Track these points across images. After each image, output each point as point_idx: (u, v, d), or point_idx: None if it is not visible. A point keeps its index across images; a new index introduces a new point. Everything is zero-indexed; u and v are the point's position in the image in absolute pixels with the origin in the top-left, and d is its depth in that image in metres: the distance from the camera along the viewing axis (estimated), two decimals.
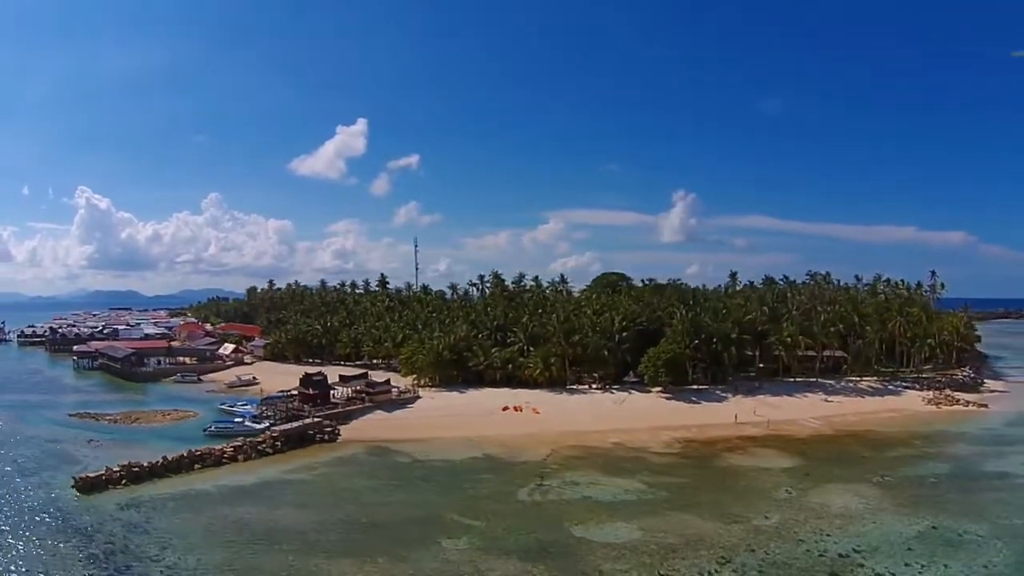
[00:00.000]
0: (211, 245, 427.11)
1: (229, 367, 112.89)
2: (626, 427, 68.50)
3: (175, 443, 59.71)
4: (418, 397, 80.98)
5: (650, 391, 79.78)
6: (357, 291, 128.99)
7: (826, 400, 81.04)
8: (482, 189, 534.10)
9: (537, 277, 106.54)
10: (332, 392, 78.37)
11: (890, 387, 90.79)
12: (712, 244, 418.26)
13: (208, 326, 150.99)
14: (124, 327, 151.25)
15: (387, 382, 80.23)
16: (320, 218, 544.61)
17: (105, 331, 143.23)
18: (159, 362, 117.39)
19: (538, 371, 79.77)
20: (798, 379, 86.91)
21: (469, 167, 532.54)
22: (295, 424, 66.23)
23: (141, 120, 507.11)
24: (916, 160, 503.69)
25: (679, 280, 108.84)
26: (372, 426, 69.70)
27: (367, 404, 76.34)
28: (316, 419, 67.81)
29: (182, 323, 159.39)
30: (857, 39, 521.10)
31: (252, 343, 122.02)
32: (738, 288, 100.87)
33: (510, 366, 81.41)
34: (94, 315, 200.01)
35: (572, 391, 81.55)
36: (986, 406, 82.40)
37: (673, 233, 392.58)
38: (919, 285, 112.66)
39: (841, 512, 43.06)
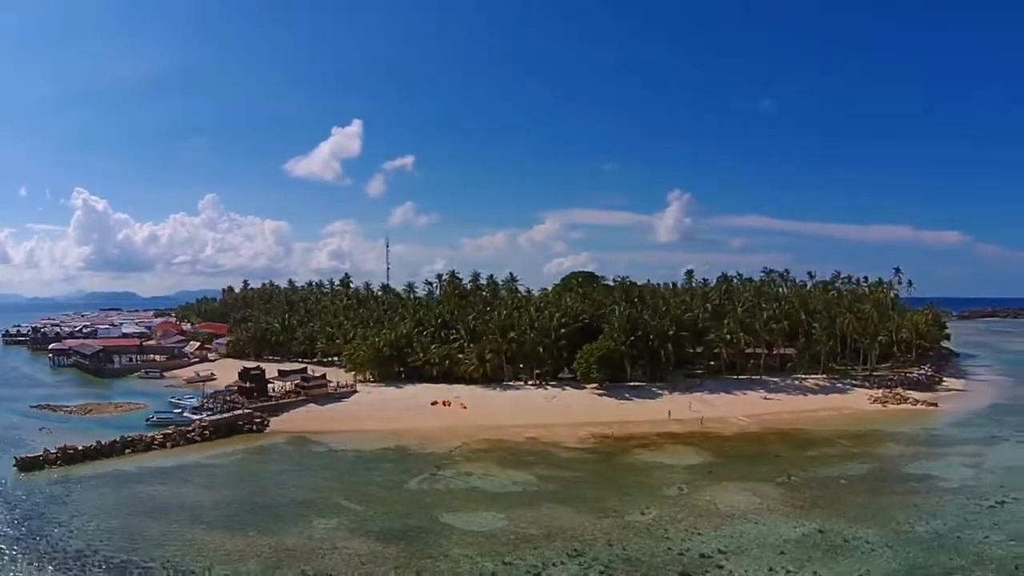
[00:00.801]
0: (208, 246, 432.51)
1: (193, 364, 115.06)
2: (548, 422, 69.41)
3: (119, 431, 63.17)
4: (355, 392, 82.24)
5: (585, 388, 79.53)
6: (323, 290, 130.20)
7: (765, 398, 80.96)
8: (479, 190, 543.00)
9: (492, 276, 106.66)
10: (270, 386, 79.27)
11: (838, 385, 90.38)
12: (707, 244, 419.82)
13: (186, 325, 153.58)
14: (105, 327, 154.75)
15: (323, 377, 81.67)
16: (316, 219, 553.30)
17: (85, 330, 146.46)
18: (131, 359, 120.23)
19: (473, 367, 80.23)
20: (741, 376, 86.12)
21: (465, 168, 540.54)
22: (225, 415, 69.08)
23: (139, 122, 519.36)
24: (912, 160, 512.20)
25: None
26: (301, 418, 72.28)
27: (301, 397, 77.95)
28: (247, 411, 70.46)
29: (159, 322, 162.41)
30: (853, 39, 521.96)
31: (217, 340, 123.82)
32: (693, 285, 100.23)
33: (447, 362, 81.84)
34: (82, 315, 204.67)
35: (507, 387, 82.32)
36: (936, 405, 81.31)
37: (668, 233, 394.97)
38: (880, 282, 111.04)
39: (726, 511, 42.42)
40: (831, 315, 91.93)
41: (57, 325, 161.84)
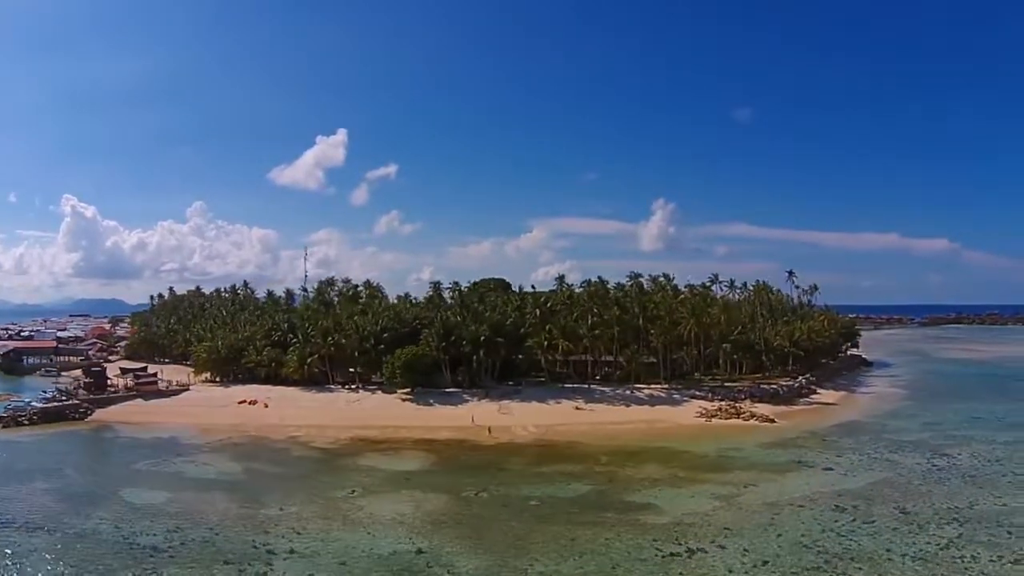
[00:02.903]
0: (196, 254, 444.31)
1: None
2: (327, 424, 75.05)
3: None
4: (186, 390, 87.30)
5: (396, 392, 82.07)
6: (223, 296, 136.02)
7: (578, 408, 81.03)
8: (464, 199, 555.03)
9: (368, 281, 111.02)
10: (109, 381, 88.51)
11: (675, 396, 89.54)
12: (692, 253, 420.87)
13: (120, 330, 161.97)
14: (48, 330, 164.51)
15: (154, 375, 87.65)
16: (302, 227, 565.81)
17: (23, 333, 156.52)
18: (50, 359, 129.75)
19: (292, 369, 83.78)
20: (568, 385, 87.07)
21: (449, 177, 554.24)
22: (53, 404, 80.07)
23: (127, 129, 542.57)
24: (898, 167, 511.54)
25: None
26: (122, 411, 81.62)
27: (131, 393, 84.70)
28: (75, 401, 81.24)
29: (92, 327, 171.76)
30: (841, 46, 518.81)
31: (123, 344, 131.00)
32: (563, 290, 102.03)
33: (273, 364, 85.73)
34: (44, 321, 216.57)
35: (323, 389, 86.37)
36: (773, 421, 76.79)
37: (653, 242, 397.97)
38: (759, 286, 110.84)
39: (360, 519, 43.29)
40: (673, 320, 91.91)
41: (6, 329, 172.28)
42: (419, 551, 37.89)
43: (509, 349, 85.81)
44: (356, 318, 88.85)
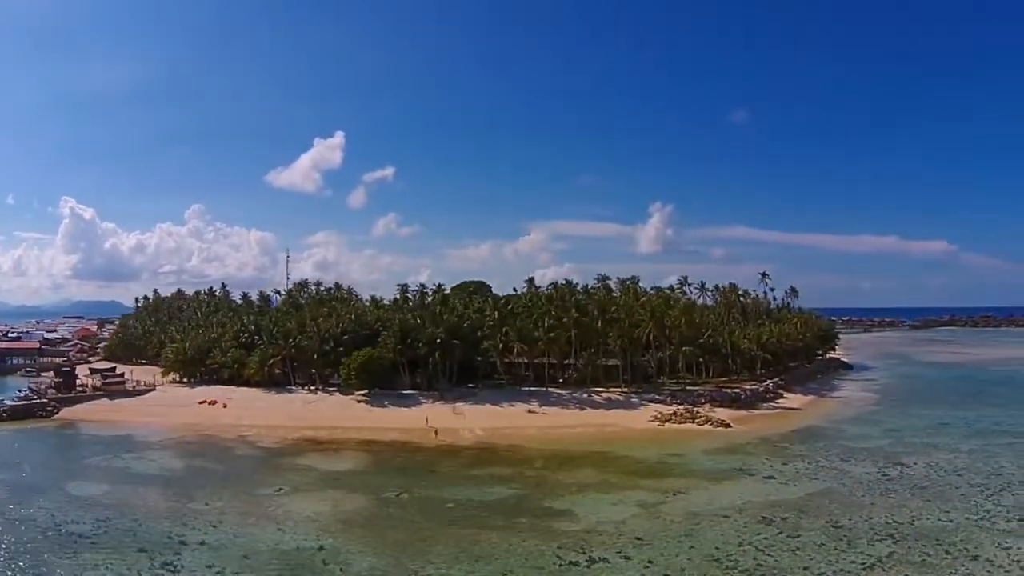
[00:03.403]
0: (194, 256, 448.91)
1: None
2: (279, 424, 78.02)
3: None
4: (152, 390, 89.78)
5: (353, 393, 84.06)
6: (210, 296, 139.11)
7: (530, 411, 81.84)
8: (462, 201, 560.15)
9: (338, 283, 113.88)
10: (79, 381, 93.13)
11: (633, 399, 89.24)
12: (690, 255, 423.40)
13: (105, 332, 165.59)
14: (36, 331, 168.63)
15: (121, 375, 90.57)
16: (300, 230, 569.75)
17: (10, 334, 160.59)
18: (33, 360, 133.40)
19: (253, 370, 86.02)
20: (526, 388, 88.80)
21: (448, 179, 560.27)
22: (22, 402, 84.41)
23: (126, 131, 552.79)
24: (897, 170, 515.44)
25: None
26: (88, 409, 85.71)
27: (98, 392, 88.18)
28: (43, 400, 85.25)
29: (79, 328, 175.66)
30: (839, 47, 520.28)
31: (101, 345, 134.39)
32: (529, 292, 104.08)
33: (236, 365, 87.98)
34: (36, 322, 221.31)
35: (284, 390, 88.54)
36: (728, 426, 76.65)
37: (650, 244, 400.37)
38: (732, 288, 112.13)
39: (278, 515, 45.20)
40: (632, 323, 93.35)
41: None
42: (321, 548, 39.26)
43: (466, 351, 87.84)
44: (320, 320, 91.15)
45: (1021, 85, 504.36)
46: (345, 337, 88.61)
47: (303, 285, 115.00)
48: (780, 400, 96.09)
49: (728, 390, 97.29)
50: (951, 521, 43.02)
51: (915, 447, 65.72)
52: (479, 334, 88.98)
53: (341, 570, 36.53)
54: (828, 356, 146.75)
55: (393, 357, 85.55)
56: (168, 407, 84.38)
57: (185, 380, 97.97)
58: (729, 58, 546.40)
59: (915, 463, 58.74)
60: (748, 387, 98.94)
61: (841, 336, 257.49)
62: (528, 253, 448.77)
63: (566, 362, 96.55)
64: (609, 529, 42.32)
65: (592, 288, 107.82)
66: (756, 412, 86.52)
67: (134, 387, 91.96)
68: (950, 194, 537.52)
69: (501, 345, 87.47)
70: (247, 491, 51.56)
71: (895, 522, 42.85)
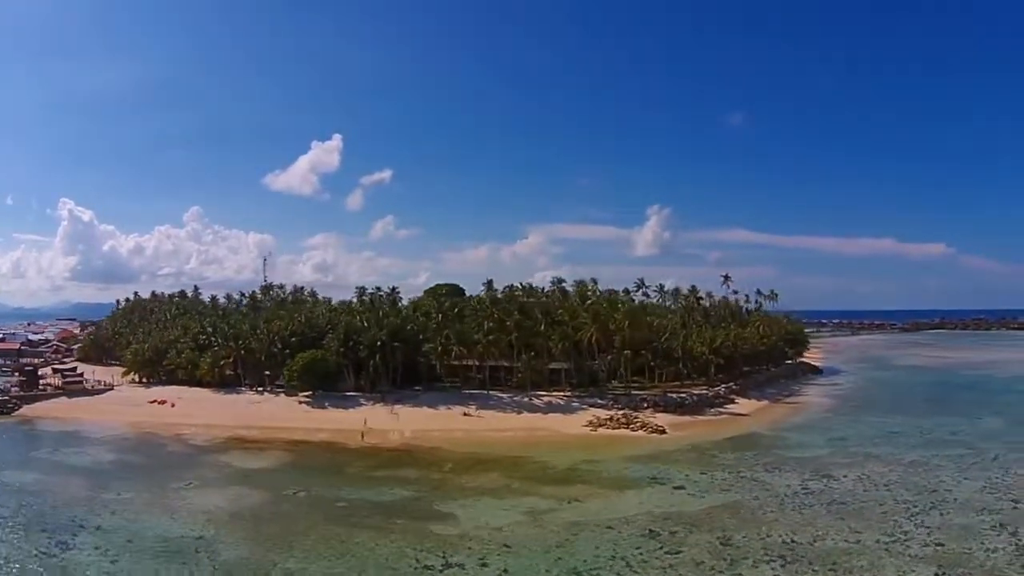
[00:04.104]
0: (192, 258, 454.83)
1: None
2: (217, 423, 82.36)
3: None
4: (109, 389, 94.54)
5: (298, 394, 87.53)
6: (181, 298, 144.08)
7: (467, 414, 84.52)
8: (459, 204, 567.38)
9: (297, 285, 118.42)
10: (42, 380, 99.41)
11: (573, 404, 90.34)
12: (687, 258, 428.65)
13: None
14: (23, 333, 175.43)
15: (81, 374, 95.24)
16: (299, 232, 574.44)
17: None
18: (12, 360, 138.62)
19: (204, 371, 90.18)
20: (467, 391, 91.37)
21: (445, 182, 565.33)
22: None
23: (125, 133, 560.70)
24: (895, 172, 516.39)
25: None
26: (46, 407, 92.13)
27: (58, 391, 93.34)
28: (5, 397, 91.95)
29: (62, 330, 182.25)
30: (836, 49, 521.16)
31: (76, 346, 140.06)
32: (485, 295, 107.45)
33: (190, 366, 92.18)
34: (28, 324, 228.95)
35: (233, 391, 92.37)
36: (664, 432, 75.79)
37: (647, 247, 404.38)
38: (693, 291, 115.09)
39: (177, 507, 48.61)
40: (574, 326, 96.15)
41: None
42: (199, 538, 42.43)
43: (408, 353, 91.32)
44: (274, 322, 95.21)
45: (1021, 86, 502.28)
46: (293, 339, 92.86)
47: (268, 288, 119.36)
48: (729, 405, 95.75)
49: (674, 395, 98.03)
50: (858, 543, 40.03)
51: (854, 457, 63.60)
52: (421, 336, 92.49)
53: (208, 558, 39.48)
54: (798, 360, 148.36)
55: (337, 359, 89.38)
56: (120, 406, 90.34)
57: (144, 380, 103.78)
58: (726, 60, 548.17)
59: (845, 476, 56.31)
60: (697, 392, 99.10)
61: (827, 339, 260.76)
62: (526, 256, 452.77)
63: (513, 365, 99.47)
64: (483, 535, 42.54)
65: (547, 291, 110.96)
66: (700, 418, 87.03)
67: (92, 387, 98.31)
68: (948, 196, 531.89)
69: (440, 348, 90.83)
70: (159, 484, 55.71)
71: (793, 542, 40.38)
